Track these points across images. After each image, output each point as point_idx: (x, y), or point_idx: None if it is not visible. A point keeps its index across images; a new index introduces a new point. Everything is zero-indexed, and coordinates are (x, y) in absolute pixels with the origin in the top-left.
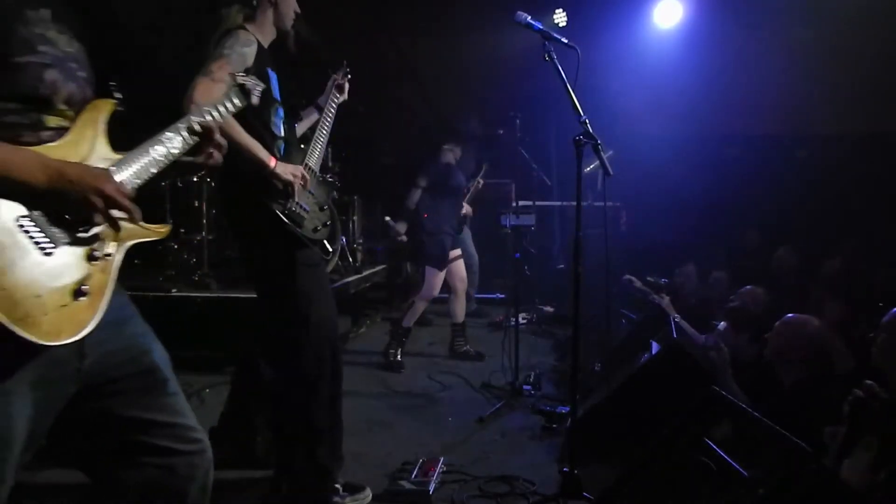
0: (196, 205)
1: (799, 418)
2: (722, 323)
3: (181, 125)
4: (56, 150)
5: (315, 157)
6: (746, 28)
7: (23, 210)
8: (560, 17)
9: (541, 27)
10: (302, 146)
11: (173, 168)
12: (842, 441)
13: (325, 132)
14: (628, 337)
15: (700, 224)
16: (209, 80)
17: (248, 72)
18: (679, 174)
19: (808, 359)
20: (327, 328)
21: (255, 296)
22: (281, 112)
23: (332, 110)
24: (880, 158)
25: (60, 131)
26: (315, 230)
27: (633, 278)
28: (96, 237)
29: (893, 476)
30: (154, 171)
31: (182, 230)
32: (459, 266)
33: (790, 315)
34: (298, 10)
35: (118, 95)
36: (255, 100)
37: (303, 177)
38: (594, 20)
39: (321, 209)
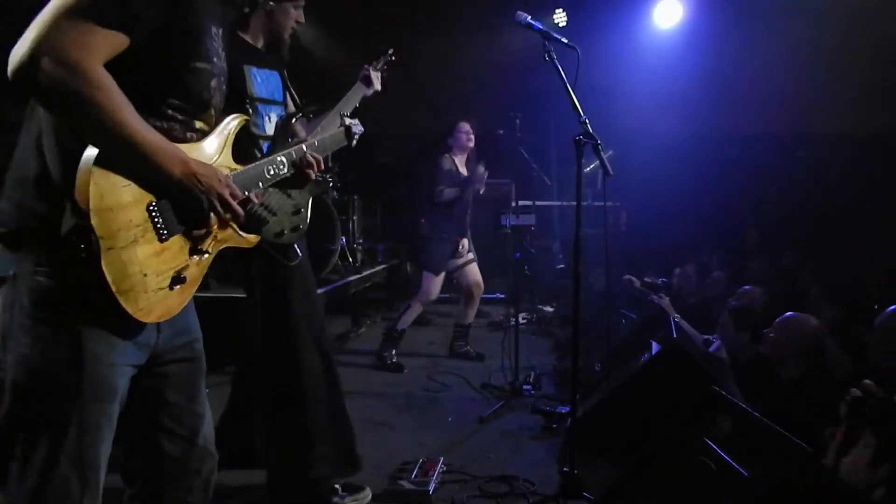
0: None
1: (798, 417)
2: (717, 341)
3: (293, 153)
4: (193, 149)
5: (321, 144)
6: (746, 28)
7: (153, 198)
8: (560, 17)
9: (541, 27)
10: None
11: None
12: (840, 440)
13: (332, 122)
14: (628, 337)
15: (700, 224)
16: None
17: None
18: (679, 174)
19: (807, 357)
20: (299, 336)
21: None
22: (265, 110)
23: (350, 104)
24: (881, 158)
25: (202, 134)
26: (279, 234)
27: (633, 278)
28: (203, 235)
29: (892, 474)
30: (262, 185)
31: None
32: (472, 269)
33: (789, 313)
34: (301, 21)
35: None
36: (354, 143)
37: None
38: (594, 20)
39: (295, 212)
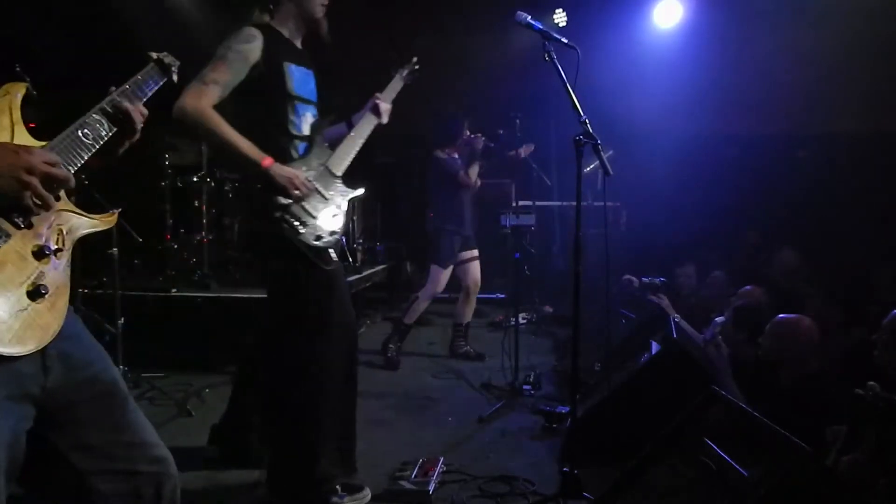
0: (196, 205)
1: (798, 418)
2: (720, 317)
3: (106, 107)
4: None
5: (338, 161)
6: (746, 28)
7: None
8: (560, 17)
9: (541, 27)
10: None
11: (108, 152)
12: (842, 440)
13: (354, 141)
14: (628, 337)
15: (700, 224)
16: (200, 84)
17: (255, 68)
18: (679, 174)
19: (803, 358)
20: (332, 339)
21: (255, 296)
22: (303, 109)
23: (366, 130)
24: (881, 159)
25: None
26: (318, 238)
27: (633, 278)
28: (41, 231)
29: (892, 474)
30: (85, 155)
31: (182, 230)
32: (474, 267)
33: (782, 315)
34: (325, 2)
35: (26, 79)
36: (175, 77)
37: (306, 181)
38: (594, 20)
39: (333, 216)
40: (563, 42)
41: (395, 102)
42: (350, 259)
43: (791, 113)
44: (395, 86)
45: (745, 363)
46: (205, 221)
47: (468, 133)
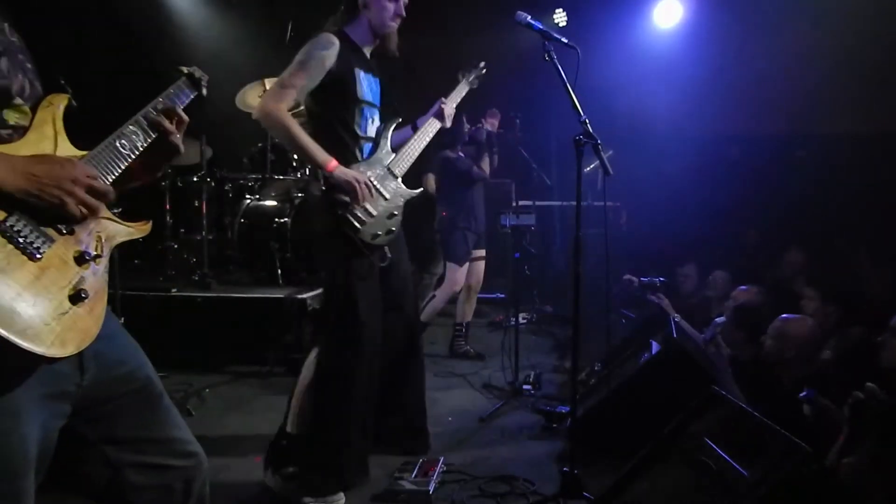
0: (196, 205)
1: (799, 418)
2: (720, 318)
3: (141, 119)
4: (19, 149)
5: (400, 163)
6: (746, 28)
7: (1, 215)
8: (560, 17)
9: (541, 27)
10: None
11: (144, 163)
12: (843, 441)
13: (416, 148)
14: (628, 337)
15: (700, 224)
16: (280, 88)
17: (329, 73)
18: (679, 174)
19: (805, 358)
20: (370, 344)
21: (255, 296)
22: (369, 113)
23: (429, 134)
24: (881, 159)
25: (19, 129)
26: (374, 237)
27: (633, 278)
28: (82, 237)
29: (892, 476)
30: (123, 165)
31: (182, 230)
32: (479, 266)
33: (784, 315)
34: (402, 14)
35: (69, 90)
36: (205, 91)
37: (367, 183)
38: (594, 20)
39: (390, 216)
40: (563, 42)
41: (396, 103)
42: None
43: (791, 113)
44: (461, 90)
45: (745, 363)
46: (205, 221)
47: (468, 126)
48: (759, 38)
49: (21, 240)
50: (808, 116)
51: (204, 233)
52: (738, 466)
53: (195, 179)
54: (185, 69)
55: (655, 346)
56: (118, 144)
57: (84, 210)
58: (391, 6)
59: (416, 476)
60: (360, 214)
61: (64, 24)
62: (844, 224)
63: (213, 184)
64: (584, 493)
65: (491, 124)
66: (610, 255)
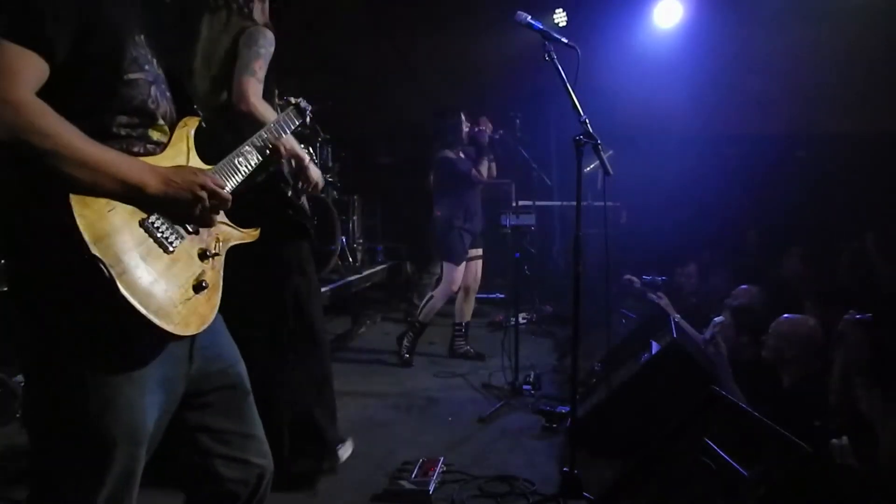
0: None
1: (799, 418)
2: (719, 317)
3: (256, 141)
4: (160, 161)
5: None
6: (746, 28)
7: (144, 213)
8: (560, 17)
9: (541, 27)
10: None
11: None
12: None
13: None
14: (628, 337)
15: (700, 224)
16: (256, 81)
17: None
18: (679, 174)
19: (805, 359)
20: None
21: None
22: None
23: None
24: (881, 158)
25: (160, 145)
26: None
27: (633, 278)
28: (204, 237)
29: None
30: (239, 179)
31: None
32: (477, 266)
33: (786, 315)
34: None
35: (200, 113)
36: (308, 120)
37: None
38: (594, 20)
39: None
40: (563, 42)
41: (395, 102)
42: (350, 259)
43: (791, 113)
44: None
45: (745, 363)
46: None
47: (468, 126)
48: (759, 38)
49: (159, 234)
50: (808, 116)
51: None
52: (738, 466)
53: None
54: (293, 100)
55: (655, 346)
56: (237, 162)
57: (208, 212)
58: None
59: (416, 476)
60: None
61: None
62: (845, 224)
63: None
64: (584, 493)
65: (481, 129)
66: (610, 255)
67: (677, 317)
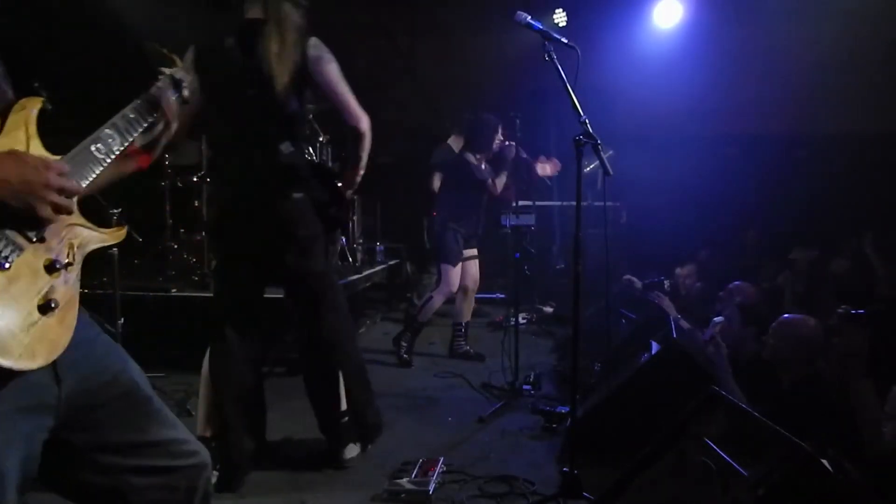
0: (196, 205)
1: (799, 418)
2: (719, 317)
3: (118, 121)
4: None
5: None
6: (746, 28)
7: None
8: (560, 17)
9: (541, 27)
10: None
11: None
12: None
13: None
14: (628, 337)
15: (700, 224)
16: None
17: None
18: (679, 174)
19: (806, 359)
20: None
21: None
22: None
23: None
24: (881, 158)
25: None
26: None
27: (633, 278)
28: (53, 245)
29: None
30: (97, 170)
31: (182, 230)
32: (474, 266)
33: (786, 315)
34: None
35: (44, 94)
36: (186, 93)
37: None
38: (594, 20)
39: None
40: (563, 42)
41: (395, 102)
42: (350, 259)
43: (791, 113)
44: None
45: (745, 363)
46: (205, 221)
47: (500, 141)
48: (759, 38)
49: None
50: (808, 116)
51: (204, 233)
52: (738, 466)
53: (195, 179)
54: (166, 70)
55: (655, 346)
56: (93, 149)
57: (54, 213)
58: None
59: (416, 476)
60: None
61: (58, 24)
62: (844, 224)
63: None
64: (584, 493)
65: (539, 166)
66: (610, 255)
67: (678, 317)
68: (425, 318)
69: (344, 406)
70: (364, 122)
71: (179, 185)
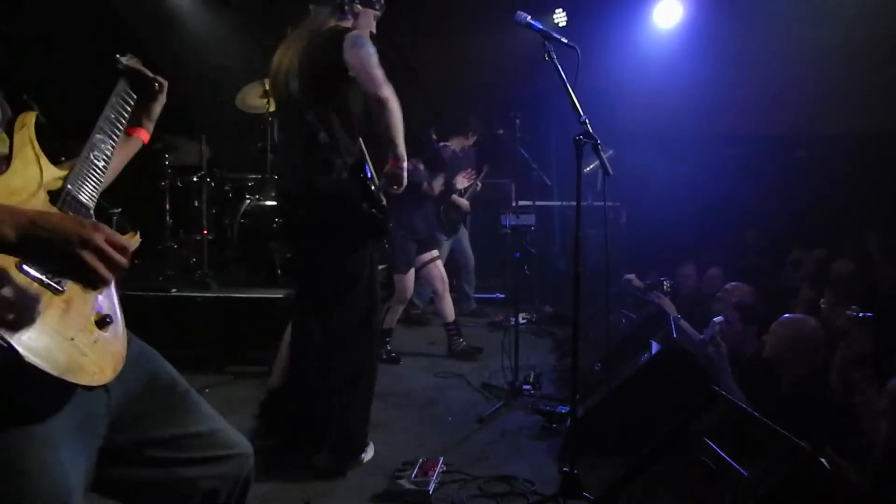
0: (196, 205)
1: (799, 418)
2: (719, 317)
3: (103, 123)
4: (11, 181)
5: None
6: (746, 28)
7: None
8: (560, 17)
9: (541, 27)
10: None
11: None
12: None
13: None
14: (628, 337)
15: (700, 224)
16: (383, 77)
17: None
18: (679, 174)
19: (806, 359)
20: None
21: (255, 296)
22: None
23: None
24: (881, 158)
25: (3, 159)
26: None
27: (634, 278)
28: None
29: None
30: (103, 176)
31: (182, 230)
32: (437, 267)
33: (787, 315)
34: (373, 32)
35: (34, 107)
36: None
37: None
38: (594, 20)
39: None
40: (562, 42)
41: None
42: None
43: (791, 113)
44: None
45: (745, 362)
46: (205, 221)
47: (435, 142)
48: (759, 38)
49: (43, 276)
50: (808, 116)
51: (204, 233)
52: (738, 466)
53: (195, 179)
54: (121, 57)
55: (655, 346)
56: (92, 157)
57: (99, 280)
58: (370, 29)
59: (416, 476)
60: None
61: (62, 27)
62: (844, 224)
63: (213, 184)
64: (584, 493)
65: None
66: (610, 255)
67: (677, 316)
68: (389, 326)
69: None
70: (385, 90)
71: (179, 185)
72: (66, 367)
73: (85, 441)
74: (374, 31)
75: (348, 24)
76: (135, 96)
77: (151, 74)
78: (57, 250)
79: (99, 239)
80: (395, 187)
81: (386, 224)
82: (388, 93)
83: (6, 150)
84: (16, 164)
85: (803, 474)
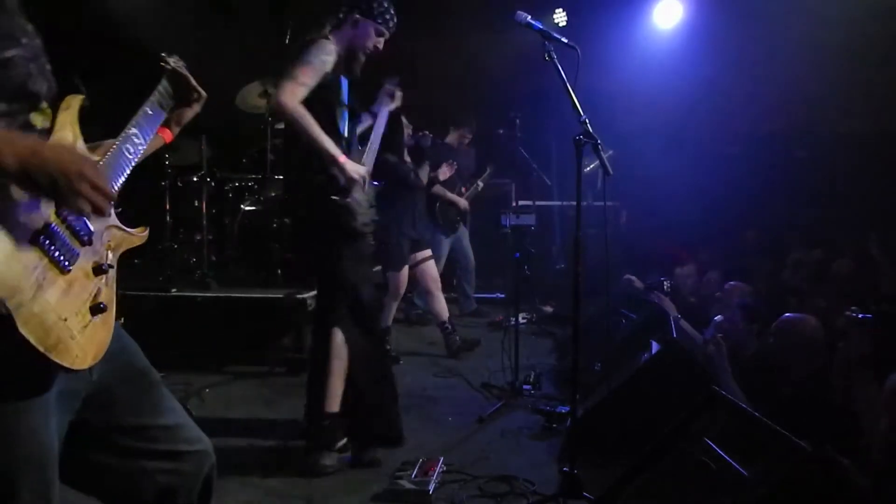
0: (196, 205)
1: (799, 418)
2: (719, 317)
3: (140, 118)
4: None
5: (370, 158)
6: (746, 28)
7: (40, 225)
8: (560, 17)
9: (541, 27)
10: (360, 147)
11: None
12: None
13: (378, 136)
14: (628, 337)
15: (700, 224)
16: (294, 84)
17: (324, 78)
18: (679, 173)
19: (807, 358)
20: (365, 315)
21: (255, 296)
22: (346, 115)
23: (384, 117)
24: (881, 158)
25: (43, 133)
26: (364, 225)
27: (634, 278)
28: (98, 248)
29: None
30: (129, 170)
31: (182, 230)
32: (430, 266)
33: (787, 315)
34: (379, 48)
35: (83, 90)
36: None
37: (363, 176)
38: (594, 20)
39: (370, 206)
40: (562, 42)
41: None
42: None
43: (791, 113)
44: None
45: (745, 362)
46: (205, 222)
47: (412, 131)
48: (759, 38)
49: (54, 253)
50: (808, 116)
51: (204, 233)
52: (738, 466)
53: (195, 179)
54: (168, 58)
55: (655, 346)
56: (124, 149)
57: (87, 206)
58: (373, 41)
59: (416, 476)
60: (354, 205)
61: (64, 20)
62: (844, 224)
63: (213, 184)
64: (584, 493)
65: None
66: (610, 255)
67: (677, 316)
68: (385, 324)
69: (332, 409)
70: (283, 96)
71: (179, 185)
72: (52, 345)
73: (62, 411)
74: (376, 45)
75: (340, 34)
76: (174, 99)
77: (195, 82)
78: (55, 180)
79: (90, 171)
80: (359, 184)
81: (353, 221)
82: (283, 99)
83: (48, 125)
84: (54, 139)
85: (803, 475)
